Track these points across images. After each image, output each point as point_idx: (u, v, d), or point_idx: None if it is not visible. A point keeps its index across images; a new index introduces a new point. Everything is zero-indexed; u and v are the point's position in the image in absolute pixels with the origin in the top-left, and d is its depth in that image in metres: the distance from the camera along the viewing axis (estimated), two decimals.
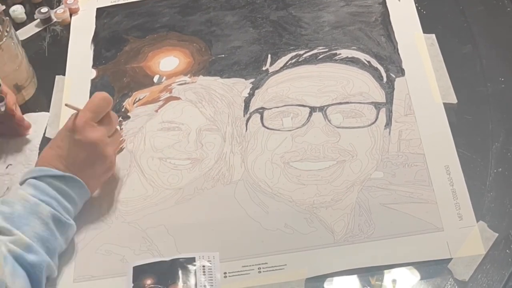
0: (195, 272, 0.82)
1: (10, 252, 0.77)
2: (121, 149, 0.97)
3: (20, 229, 0.79)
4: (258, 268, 0.84)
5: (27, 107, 1.04)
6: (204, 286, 0.81)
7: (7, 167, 0.97)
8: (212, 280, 0.82)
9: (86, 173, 0.87)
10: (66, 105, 0.91)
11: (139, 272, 0.83)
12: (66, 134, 0.87)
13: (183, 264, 0.83)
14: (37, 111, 1.04)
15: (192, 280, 0.82)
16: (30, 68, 1.06)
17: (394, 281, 0.82)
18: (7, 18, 1.01)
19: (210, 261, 0.83)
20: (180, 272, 0.83)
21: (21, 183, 0.85)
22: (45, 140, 1.00)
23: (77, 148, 0.86)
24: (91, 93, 1.05)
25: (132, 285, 0.82)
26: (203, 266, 0.83)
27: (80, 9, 1.17)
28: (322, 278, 0.83)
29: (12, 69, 1.01)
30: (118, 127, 0.94)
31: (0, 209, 0.81)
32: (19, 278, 0.77)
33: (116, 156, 0.94)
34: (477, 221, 0.85)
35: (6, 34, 0.99)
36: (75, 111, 0.89)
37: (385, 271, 0.82)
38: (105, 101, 0.89)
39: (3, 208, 0.81)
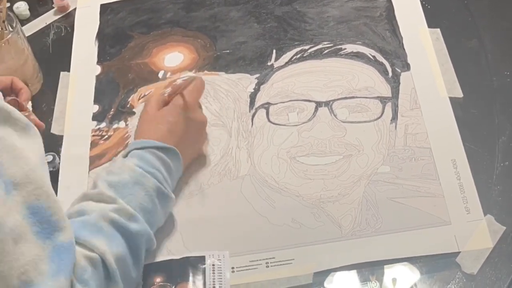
0: (204, 271, 0.82)
1: (112, 221, 0.77)
2: None
3: (124, 198, 0.79)
4: (266, 263, 0.84)
5: (33, 103, 1.04)
6: (213, 285, 0.81)
7: None
8: (221, 279, 0.82)
9: (187, 151, 0.89)
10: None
11: (149, 270, 0.83)
12: (178, 112, 0.88)
13: (193, 262, 0.83)
14: (44, 107, 1.04)
15: (201, 279, 0.82)
16: (36, 63, 1.06)
17: (402, 274, 0.82)
18: (13, 13, 1.01)
19: (220, 260, 0.83)
20: (189, 270, 0.83)
21: (125, 155, 0.85)
22: (51, 136, 1.00)
23: (188, 124, 0.88)
24: (96, 90, 1.05)
25: (142, 283, 0.82)
26: (213, 265, 0.83)
27: (71, 7, 1.17)
28: (330, 272, 0.83)
29: (18, 64, 1.01)
30: None
31: (106, 178, 0.81)
32: (118, 247, 0.76)
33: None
34: (485, 214, 0.85)
35: (12, 29, 0.99)
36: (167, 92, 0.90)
37: (393, 265, 0.82)
38: (204, 86, 0.93)
39: (109, 177, 0.81)
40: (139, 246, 0.79)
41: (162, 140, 0.85)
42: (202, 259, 0.84)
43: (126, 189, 0.80)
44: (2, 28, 0.99)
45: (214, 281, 0.82)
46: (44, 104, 1.05)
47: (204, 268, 0.83)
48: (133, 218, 0.78)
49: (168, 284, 0.82)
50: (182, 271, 0.83)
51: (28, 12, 1.16)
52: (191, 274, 0.82)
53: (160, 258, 0.85)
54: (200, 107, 0.94)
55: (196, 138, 0.92)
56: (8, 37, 0.98)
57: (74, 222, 0.75)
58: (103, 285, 0.74)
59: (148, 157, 0.83)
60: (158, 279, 0.82)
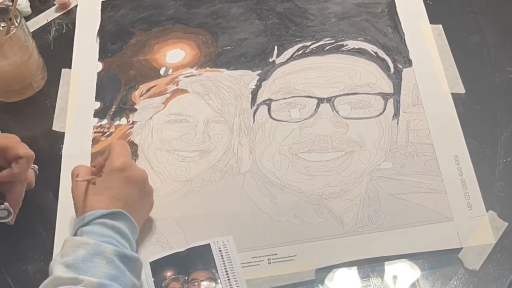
0: (213, 257, 0.83)
1: None
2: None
3: (87, 273, 0.74)
4: (268, 259, 0.84)
5: (36, 99, 1.04)
6: (225, 268, 0.82)
7: None
8: (230, 261, 0.82)
9: (136, 212, 0.84)
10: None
11: (157, 266, 0.83)
12: (114, 175, 0.83)
13: (199, 252, 0.83)
14: (47, 103, 1.04)
15: (211, 265, 0.82)
16: (41, 59, 1.06)
17: (404, 271, 0.82)
18: (17, 9, 1.01)
19: (225, 244, 0.84)
20: (198, 260, 0.83)
21: (73, 235, 0.80)
22: (52, 133, 1.00)
23: (128, 186, 0.83)
24: (98, 86, 1.05)
25: (153, 279, 0.82)
26: (220, 250, 0.83)
27: (72, 4, 1.17)
28: (332, 268, 0.83)
29: (22, 60, 1.01)
30: None
31: (61, 261, 0.75)
32: None
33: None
34: (487, 210, 0.85)
35: (16, 25, 0.99)
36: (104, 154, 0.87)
37: (395, 261, 0.82)
38: (126, 144, 0.89)
39: (64, 259, 0.76)
40: None
41: (107, 207, 0.81)
42: (207, 247, 0.84)
43: (85, 264, 0.75)
44: (9, 24, 0.99)
45: (224, 265, 0.82)
46: (48, 101, 1.05)
47: (212, 255, 0.83)
48: (102, 286, 0.73)
49: (181, 276, 0.82)
50: (191, 261, 0.83)
51: (29, 9, 1.16)
52: (200, 263, 0.83)
53: (165, 254, 0.85)
54: (134, 163, 0.88)
55: (142, 196, 0.86)
56: (11, 33, 0.98)
57: None
58: None
59: (97, 228, 0.79)
60: (169, 273, 0.82)
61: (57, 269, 0.74)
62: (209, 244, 0.84)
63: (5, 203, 0.83)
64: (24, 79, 1.03)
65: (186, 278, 0.82)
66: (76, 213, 0.84)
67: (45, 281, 0.74)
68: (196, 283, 0.81)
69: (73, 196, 0.86)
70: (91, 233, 0.78)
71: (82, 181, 0.85)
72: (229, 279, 0.81)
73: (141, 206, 0.86)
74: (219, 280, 0.81)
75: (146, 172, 0.87)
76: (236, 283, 0.81)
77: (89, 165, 0.95)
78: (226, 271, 0.82)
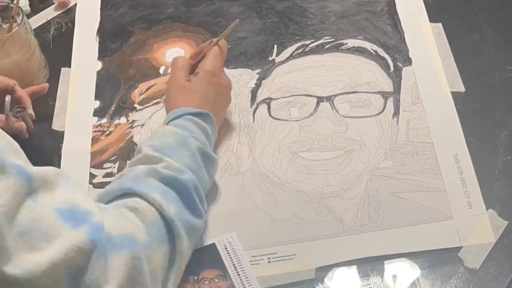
0: (219, 254, 0.83)
1: (162, 177, 0.78)
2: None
3: (171, 157, 0.80)
4: (268, 258, 0.84)
5: (37, 98, 1.04)
6: (233, 264, 0.82)
7: None
8: (238, 257, 0.83)
9: (218, 115, 0.91)
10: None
11: None
12: (209, 79, 0.90)
13: (205, 252, 0.83)
14: (49, 101, 1.04)
15: (220, 263, 0.82)
16: (43, 58, 1.06)
17: (404, 270, 0.81)
18: (19, 6, 1.01)
19: (230, 242, 0.84)
20: (205, 259, 0.83)
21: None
22: (52, 132, 1.00)
23: (217, 91, 0.90)
24: (97, 85, 1.05)
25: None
26: (225, 248, 0.83)
27: (71, 3, 1.17)
28: (332, 267, 0.83)
29: (24, 58, 1.01)
30: None
31: (149, 143, 0.83)
32: (173, 201, 0.77)
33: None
34: (487, 209, 0.85)
35: (18, 22, 0.99)
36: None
37: (395, 260, 0.82)
38: (226, 49, 0.95)
39: (152, 142, 0.83)
40: (192, 195, 0.79)
41: (197, 107, 0.87)
42: (212, 246, 0.84)
43: (170, 150, 0.81)
44: (11, 22, 0.99)
45: (232, 261, 0.83)
46: (49, 99, 1.05)
47: (218, 252, 0.83)
48: (182, 171, 0.79)
49: (190, 276, 0.81)
50: (198, 262, 0.82)
51: (28, 8, 1.16)
52: (208, 262, 0.83)
53: None
54: (223, 71, 0.95)
55: (224, 102, 0.94)
56: (13, 30, 0.98)
57: (126, 179, 0.78)
58: (165, 238, 0.75)
59: (186, 123, 0.85)
60: None
61: (146, 149, 0.82)
62: (214, 243, 0.84)
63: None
64: (26, 77, 1.03)
65: (196, 278, 0.82)
66: (167, 106, 0.91)
67: (135, 157, 0.82)
68: (206, 282, 0.81)
69: (168, 87, 0.92)
70: (181, 126, 0.85)
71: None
72: (239, 275, 0.81)
73: (222, 111, 0.95)
74: (229, 277, 0.81)
75: (231, 83, 0.94)
76: (247, 279, 0.81)
77: (88, 165, 0.96)
78: (235, 267, 0.82)
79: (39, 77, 1.05)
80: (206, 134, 0.86)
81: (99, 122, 1.01)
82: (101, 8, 1.16)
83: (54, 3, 1.17)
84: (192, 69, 0.92)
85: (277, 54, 1.04)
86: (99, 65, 1.08)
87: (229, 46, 1.06)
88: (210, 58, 0.91)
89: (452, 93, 0.96)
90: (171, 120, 0.86)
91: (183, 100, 0.88)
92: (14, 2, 1.01)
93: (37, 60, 1.04)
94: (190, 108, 0.86)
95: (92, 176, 0.95)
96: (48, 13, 1.17)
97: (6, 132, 0.68)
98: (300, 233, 0.86)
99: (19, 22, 1.00)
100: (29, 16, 1.15)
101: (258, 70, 1.03)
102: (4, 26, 1.03)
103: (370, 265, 0.82)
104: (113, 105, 1.03)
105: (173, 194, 0.78)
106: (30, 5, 1.16)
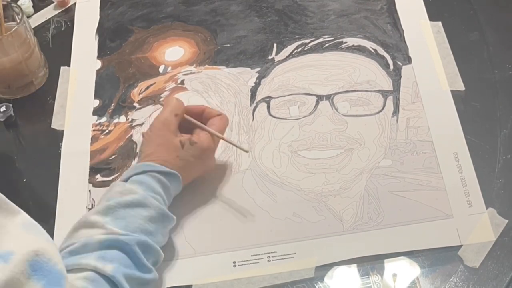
0: None
1: (100, 242, 0.75)
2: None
3: (120, 222, 0.77)
4: (268, 257, 0.84)
5: (37, 97, 1.04)
6: None
7: None
8: None
9: (187, 176, 0.86)
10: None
11: None
12: (198, 153, 0.86)
13: None
14: (49, 100, 1.04)
15: None
16: (42, 56, 1.06)
17: (404, 268, 0.81)
18: (18, 5, 1.01)
19: None
20: None
21: (125, 180, 0.83)
22: (51, 131, 1.00)
23: (197, 166, 0.87)
24: (97, 84, 1.05)
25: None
26: None
27: (70, 2, 1.17)
28: (332, 266, 0.83)
29: (23, 57, 1.01)
30: None
31: (97, 208, 0.79)
32: (112, 257, 0.75)
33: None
34: (487, 207, 0.85)
35: (17, 21, 1.00)
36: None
37: (395, 258, 0.82)
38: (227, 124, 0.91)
39: (102, 203, 0.79)
40: (136, 253, 0.76)
41: (172, 168, 0.83)
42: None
43: (126, 211, 0.78)
44: (1, 23, 0.99)
45: None
46: (49, 98, 1.04)
47: None
48: (123, 234, 0.76)
49: None
50: None
51: (31, 9, 1.15)
52: None
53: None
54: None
55: (202, 169, 0.89)
56: (13, 29, 0.98)
57: (71, 253, 0.75)
58: None
59: (148, 180, 0.81)
60: None
61: (91, 214, 0.78)
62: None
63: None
64: (25, 76, 1.04)
65: None
66: (143, 148, 0.86)
67: (80, 219, 0.79)
68: None
69: (154, 126, 0.86)
70: (141, 183, 0.81)
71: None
72: None
73: (195, 174, 0.88)
74: None
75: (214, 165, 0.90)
76: None
77: (88, 164, 0.96)
78: None
79: (38, 76, 1.05)
80: (168, 194, 0.83)
81: (98, 121, 1.01)
82: (100, 7, 1.16)
83: (53, 2, 1.17)
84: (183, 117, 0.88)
85: (277, 53, 1.04)
86: (98, 64, 1.08)
87: (228, 45, 1.06)
88: (212, 136, 0.87)
89: (452, 91, 0.96)
90: (135, 174, 0.82)
91: (161, 155, 0.84)
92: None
93: (36, 59, 1.04)
94: (159, 166, 0.82)
95: (91, 175, 0.95)
96: (48, 12, 1.16)
97: None
98: (300, 232, 0.86)
99: (18, 21, 1.00)
100: (31, 17, 1.15)
101: (258, 69, 1.03)
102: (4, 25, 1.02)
103: (370, 264, 0.82)
104: (113, 104, 1.02)
105: (114, 253, 0.75)
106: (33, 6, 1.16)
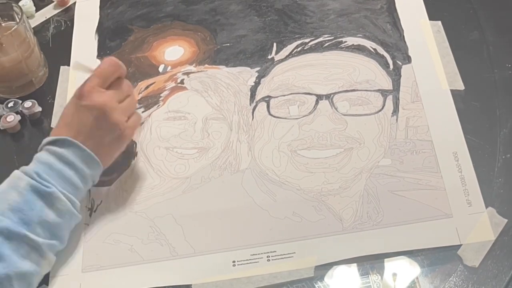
0: None
1: None
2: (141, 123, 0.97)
3: None
4: (267, 256, 0.84)
5: (37, 96, 1.04)
6: None
7: None
8: None
9: (94, 141, 0.84)
10: (75, 65, 0.88)
11: None
12: (73, 101, 0.85)
13: None
14: (48, 100, 1.04)
15: None
16: (42, 56, 1.07)
17: (403, 268, 0.81)
18: (19, 6, 1.01)
19: None
20: None
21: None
22: (51, 130, 0.99)
23: (83, 114, 0.84)
24: None
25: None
26: None
27: (70, 1, 1.17)
28: (331, 265, 0.83)
29: (22, 57, 1.01)
30: (134, 95, 0.92)
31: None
32: None
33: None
34: (486, 207, 0.85)
35: (17, 21, 1.00)
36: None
37: (394, 258, 0.82)
38: (113, 67, 0.87)
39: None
40: None
41: (62, 135, 0.83)
42: None
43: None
44: None
45: None
46: (48, 97, 1.05)
47: None
48: None
49: None
50: None
51: (33, 9, 1.15)
52: None
53: (162, 255, 0.85)
54: (100, 90, 0.85)
55: (99, 125, 0.84)
56: (13, 29, 0.98)
57: None
58: None
59: (41, 155, 0.82)
60: None
61: None
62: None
63: None
64: (24, 76, 1.04)
65: None
66: None
67: None
68: None
69: None
70: (35, 159, 0.82)
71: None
72: None
73: (99, 136, 0.84)
74: None
75: (110, 100, 0.85)
76: None
77: None
78: None
79: (37, 75, 1.05)
80: (66, 161, 0.81)
81: None
82: (100, 7, 1.16)
83: (53, 2, 1.17)
84: None
85: (276, 52, 1.04)
86: (98, 63, 1.08)
87: (228, 44, 1.06)
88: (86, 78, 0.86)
89: (452, 91, 0.96)
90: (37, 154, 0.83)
91: (56, 129, 0.86)
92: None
93: (36, 59, 1.04)
94: (48, 137, 0.83)
95: None
96: (47, 12, 1.17)
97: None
98: (300, 231, 0.86)
99: (18, 20, 1.00)
100: (32, 18, 1.15)
101: (257, 68, 1.03)
102: (3, 24, 1.03)
103: (369, 263, 0.82)
104: None
105: None
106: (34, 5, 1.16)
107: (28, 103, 1.02)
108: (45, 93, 1.04)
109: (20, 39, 1.00)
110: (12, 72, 1.02)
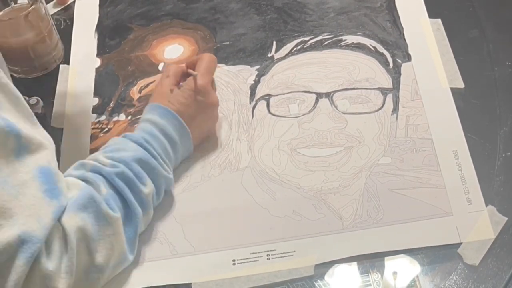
0: None
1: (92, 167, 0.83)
2: None
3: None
4: (267, 255, 0.84)
5: (37, 93, 1.04)
6: None
7: None
8: None
9: (194, 132, 0.90)
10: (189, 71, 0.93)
11: None
12: (190, 94, 0.89)
13: None
14: (48, 99, 1.04)
15: None
16: (58, 40, 1.09)
17: (403, 266, 0.81)
18: None
19: None
20: None
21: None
22: (51, 130, 1.00)
23: (198, 108, 0.90)
24: (96, 82, 1.05)
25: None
26: None
27: (70, 0, 1.17)
28: (331, 264, 0.82)
29: (34, 40, 1.02)
30: None
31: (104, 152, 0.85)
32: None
33: None
34: (486, 205, 0.85)
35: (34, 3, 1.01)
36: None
37: (395, 256, 0.82)
38: (216, 63, 0.95)
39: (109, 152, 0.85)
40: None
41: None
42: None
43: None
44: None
45: None
46: (48, 96, 1.04)
47: None
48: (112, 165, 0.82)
49: None
50: None
51: None
52: None
53: (162, 253, 0.85)
54: (213, 88, 0.94)
55: (205, 119, 0.92)
56: (29, 9, 0.99)
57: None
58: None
59: (144, 126, 0.87)
60: None
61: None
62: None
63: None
64: (30, 60, 1.05)
65: None
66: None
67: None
68: None
69: (153, 93, 0.93)
70: (138, 129, 0.88)
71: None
72: None
73: (200, 128, 0.91)
74: None
75: (218, 101, 0.93)
76: None
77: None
78: None
79: (49, 58, 1.07)
80: (168, 136, 0.87)
81: (98, 119, 1.01)
82: (99, 5, 1.16)
83: (53, 0, 1.17)
84: (185, 78, 0.92)
85: (276, 51, 1.04)
86: (97, 62, 1.08)
87: (228, 43, 1.06)
88: (199, 74, 0.91)
89: (452, 89, 0.96)
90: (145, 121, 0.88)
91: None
92: None
93: (49, 41, 1.05)
94: (172, 112, 0.88)
95: None
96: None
97: None
98: (299, 229, 0.85)
99: (34, 3, 1.01)
100: None
101: (257, 67, 1.02)
102: (14, 6, 1.03)
103: (369, 261, 0.82)
104: (112, 102, 1.02)
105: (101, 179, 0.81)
106: None
107: (33, 100, 1.01)
108: (42, 93, 1.04)
109: (34, 22, 1.01)
110: (20, 54, 1.03)
